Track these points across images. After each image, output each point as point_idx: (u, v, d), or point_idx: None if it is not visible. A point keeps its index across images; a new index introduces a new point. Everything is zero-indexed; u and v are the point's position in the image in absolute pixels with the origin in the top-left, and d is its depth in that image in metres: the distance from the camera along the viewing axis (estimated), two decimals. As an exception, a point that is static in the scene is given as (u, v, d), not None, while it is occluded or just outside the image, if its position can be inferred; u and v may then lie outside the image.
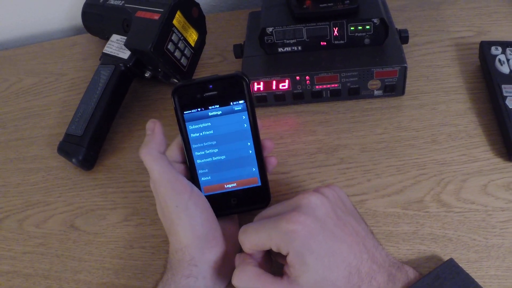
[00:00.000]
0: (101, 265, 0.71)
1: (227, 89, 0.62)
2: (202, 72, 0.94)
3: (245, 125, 0.63)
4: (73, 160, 0.81)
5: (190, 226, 0.59)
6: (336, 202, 0.57)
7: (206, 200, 0.62)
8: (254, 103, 0.63)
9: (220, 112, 0.62)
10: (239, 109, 0.62)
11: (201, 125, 0.63)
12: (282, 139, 0.80)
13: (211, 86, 0.61)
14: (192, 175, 0.64)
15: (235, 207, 0.66)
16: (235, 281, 0.57)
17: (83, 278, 0.70)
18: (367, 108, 0.82)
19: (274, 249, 0.55)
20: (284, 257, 0.55)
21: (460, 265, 0.58)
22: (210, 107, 0.62)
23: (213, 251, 0.60)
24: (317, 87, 0.80)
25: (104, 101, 0.83)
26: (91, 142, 0.82)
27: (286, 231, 0.53)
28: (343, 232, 0.55)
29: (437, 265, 0.58)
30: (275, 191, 0.68)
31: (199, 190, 0.63)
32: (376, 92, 0.81)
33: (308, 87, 0.80)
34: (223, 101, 0.62)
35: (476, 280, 0.56)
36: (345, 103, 0.83)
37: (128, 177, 0.81)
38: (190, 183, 0.62)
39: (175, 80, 0.85)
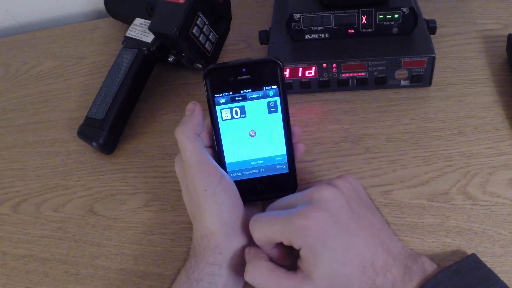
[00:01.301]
0: (120, 251, 0.71)
1: (261, 74, 0.61)
2: (227, 58, 0.93)
3: (277, 110, 0.62)
4: (94, 143, 0.80)
5: (218, 212, 0.58)
6: (350, 194, 0.56)
7: (235, 186, 0.61)
8: (286, 88, 0.62)
9: (252, 96, 0.61)
10: (271, 94, 0.61)
11: (231, 109, 0.62)
12: (307, 127, 0.79)
13: (244, 69, 0.60)
14: (219, 159, 0.63)
15: (262, 193, 0.65)
16: (248, 277, 0.56)
17: (101, 263, 0.70)
18: (394, 98, 0.80)
19: (286, 243, 0.54)
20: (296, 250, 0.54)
21: (485, 259, 0.57)
22: (242, 91, 0.61)
23: (239, 239, 0.60)
24: (343, 75, 0.79)
25: (127, 85, 0.83)
26: (112, 126, 0.81)
27: (299, 226, 0.52)
28: (357, 225, 0.54)
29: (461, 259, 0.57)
30: (299, 179, 0.66)
31: (228, 176, 0.61)
32: (402, 82, 0.79)
33: (335, 75, 0.79)
34: (256, 86, 0.61)
35: (501, 274, 0.54)
36: (371, 92, 0.82)
37: (149, 162, 0.81)
38: (220, 168, 0.60)
39: (199, 65, 0.84)
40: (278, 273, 0.54)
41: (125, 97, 0.82)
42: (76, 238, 0.74)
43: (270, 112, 0.62)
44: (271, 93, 0.61)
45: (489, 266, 0.55)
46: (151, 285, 0.67)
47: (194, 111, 0.61)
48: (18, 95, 1.00)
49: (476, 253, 0.57)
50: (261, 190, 0.65)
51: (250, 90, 0.61)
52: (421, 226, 0.65)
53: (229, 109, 0.62)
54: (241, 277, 0.60)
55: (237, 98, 0.61)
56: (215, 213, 0.58)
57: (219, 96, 0.61)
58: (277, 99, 0.61)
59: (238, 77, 0.61)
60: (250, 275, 0.55)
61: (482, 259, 0.57)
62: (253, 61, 0.61)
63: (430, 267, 0.55)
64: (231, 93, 0.61)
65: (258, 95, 0.61)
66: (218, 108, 0.61)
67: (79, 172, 0.82)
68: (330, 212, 0.53)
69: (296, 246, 0.53)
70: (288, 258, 0.58)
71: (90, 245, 0.72)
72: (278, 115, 0.62)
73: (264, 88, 0.61)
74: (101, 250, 0.71)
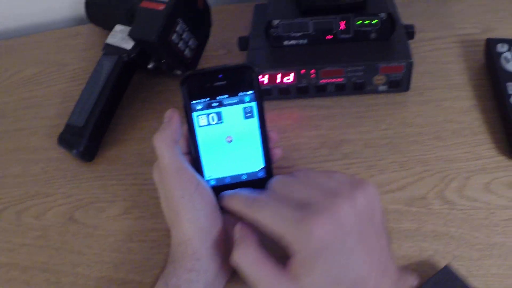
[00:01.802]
0: (100, 259, 0.71)
1: (236, 79, 0.61)
2: (206, 64, 0.93)
3: (253, 115, 0.62)
4: (74, 151, 0.80)
5: (195, 218, 0.58)
6: (365, 215, 0.53)
7: (212, 192, 0.61)
8: (263, 94, 0.62)
9: (229, 102, 0.61)
10: (247, 100, 0.61)
11: (208, 115, 0.62)
12: (286, 133, 0.79)
13: (220, 75, 0.61)
14: (196, 165, 0.63)
15: None
16: (234, 261, 0.55)
17: (81, 271, 0.70)
18: (372, 103, 0.81)
19: (281, 241, 0.52)
20: None
21: (462, 263, 0.58)
22: (218, 97, 0.61)
23: (217, 246, 0.60)
24: (322, 81, 0.79)
25: (106, 92, 0.83)
26: (92, 133, 0.81)
27: (305, 230, 0.50)
28: (361, 249, 0.52)
29: (434, 271, 0.58)
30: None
31: (205, 182, 0.62)
32: (381, 87, 0.80)
33: (313, 81, 0.80)
34: (232, 91, 0.61)
35: (478, 278, 0.56)
36: (350, 98, 0.82)
37: (129, 169, 0.80)
38: (197, 175, 0.61)
39: (179, 72, 0.84)
40: (266, 266, 0.53)
41: (105, 104, 0.82)
42: (57, 246, 0.73)
43: (246, 117, 0.62)
44: (247, 98, 0.61)
45: (465, 269, 0.57)
46: (131, 293, 0.67)
47: (172, 118, 0.62)
48: (-1, 102, 0.99)
49: (453, 257, 0.59)
50: None
51: (226, 96, 0.61)
52: (398, 231, 0.66)
53: (205, 115, 0.62)
54: (219, 283, 0.61)
55: (213, 104, 0.61)
56: (192, 219, 0.58)
57: (196, 103, 0.61)
58: (253, 104, 0.61)
59: (214, 83, 0.61)
60: (237, 260, 0.55)
61: (458, 263, 0.59)
62: (229, 67, 0.61)
63: (414, 283, 0.55)
64: (207, 99, 0.61)
65: (235, 101, 0.61)
66: (194, 114, 0.61)
67: (59, 179, 0.82)
68: (341, 229, 0.51)
69: (291, 247, 0.51)
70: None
71: (70, 253, 0.72)
72: (255, 120, 0.62)
73: (240, 93, 0.61)
74: (81, 258, 0.71)
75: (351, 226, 0.51)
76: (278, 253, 0.53)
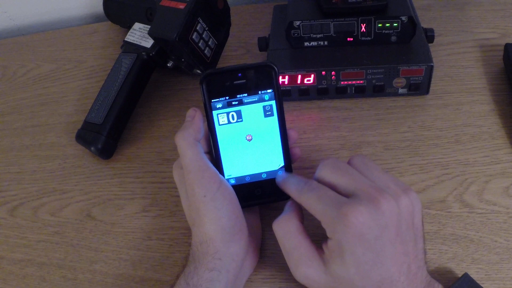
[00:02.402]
0: (117, 256, 0.70)
1: (256, 78, 0.61)
2: (225, 64, 0.93)
3: (273, 114, 0.62)
4: (92, 148, 0.80)
5: (217, 218, 0.58)
6: (406, 217, 0.53)
7: (234, 192, 0.61)
8: (282, 93, 0.62)
9: (248, 100, 0.61)
10: (267, 98, 0.61)
11: (228, 114, 0.62)
12: (305, 134, 0.79)
13: (240, 74, 0.61)
14: (217, 164, 0.63)
15: (259, 198, 0.65)
16: (276, 225, 0.58)
17: (99, 268, 0.70)
18: (391, 106, 0.81)
19: (322, 223, 0.54)
20: None
21: (481, 266, 0.58)
22: (238, 96, 0.61)
23: (238, 245, 0.60)
24: (342, 83, 0.79)
25: (125, 89, 0.83)
26: (111, 130, 0.81)
27: (343, 219, 0.51)
28: (395, 250, 0.52)
29: (453, 274, 0.59)
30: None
31: (227, 182, 0.62)
32: (400, 90, 0.80)
33: (333, 82, 0.80)
34: (252, 90, 0.61)
35: (497, 282, 0.56)
36: (369, 100, 0.82)
37: (147, 167, 0.81)
38: (219, 174, 0.61)
39: (198, 71, 0.84)
40: (302, 238, 0.56)
41: (123, 101, 0.82)
42: (73, 243, 0.73)
43: (266, 116, 0.62)
44: (266, 97, 0.61)
45: (484, 273, 0.57)
46: (149, 291, 0.67)
47: (195, 117, 0.62)
48: (15, 98, 0.99)
49: (472, 260, 0.59)
50: (259, 195, 0.65)
51: (246, 95, 0.61)
52: (418, 233, 0.66)
53: (225, 114, 0.62)
54: (240, 282, 0.61)
55: (233, 103, 0.62)
56: (214, 219, 0.58)
57: (216, 101, 0.61)
58: (273, 102, 0.62)
59: (234, 82, 0.61)
60: (278, 225, 0.58)
61: (477, 266, 0.59)
62: (249, 66, 0.62)
63: None
64: (227, 97, 0.61)
65: (254, 99, 0.62)
66: (214, 113, 0.62)
67: (76, 176, 0.82)
68: (378, 225, 0.51)
69: (328, 233, 0.53)
70: None
71: (87, 250, 0.72)
72: (274, 119, 0.62)
73: (259, 92, 0.61)
74: (99, 255, 0.71)
75: (390, 224, 0.51)
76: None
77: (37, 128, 0.92)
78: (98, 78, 0.94)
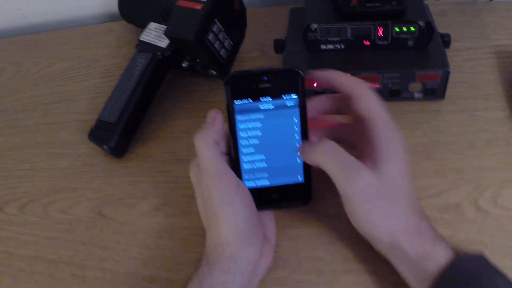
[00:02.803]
0: (128, 255, 0.70)
1: (282, 83, 0.61)
2: (241, 65, 0.92)
3: (296, 120, 0.61)
4: (105, 147, 0.80)
5: (234, 222, 0.58)
6: None
7: (251, 196, 0.61)
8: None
9: (272, 105, 0.61)
10: (291, 105, 0.61)
11: (250, 117, 0.61)
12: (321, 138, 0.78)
13: (265, 78, 0.60)
14: (235, 166, 0.63)
15: (276, 203, 0.65)
16: (313, 153, 0.60)
17: (109, 266, 0.69)
18: (407, 110, 0.80)
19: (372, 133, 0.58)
20: None
21: None
22: (262, 99, 0.61)
23: (253, 249, 0.59)
24: (358, 86, 0.79)
25: (140, 89, 0.82)
26: (124, 129, 0.81)
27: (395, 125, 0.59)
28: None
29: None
30: (314, 188, 0.66)
31: (245, 186, 0.61)
32: (416, 95, 0.80)
33: (350, 86, 0.79)
34: (276, 95, 0.61)
35: None
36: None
37: (159, 167, 0.80)
38: (237, 177, 0.60)
39: (213, 72, 0.84)
40: (345, 152, 0.58)
41: (138, 101, 0.82)
42: (83, 241, 0.73)
43: (288, 121, 0.62)
44: (291, 103, 0.61)
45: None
46: (160, 291, 0.66)
47: (216, 119, 0.61)
48: (28, 95, 0.99)
49: None
50: (275, 199, 0.64)
51: (270, 99, 0.61)
52: (432, 238, 0.65)
53: (248, 116, 0.61)
54: (253, 284, 0.61)
55: (256, 106, 0.61)
56: (231, 223, 0.58)
57: (239, 104, 0.61)
58: (297, 109, 0.61)
59: (259, 85, 0.60)
60: (315, 152, 0.60)
61: None
62: (275, 70, 0.61)
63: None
64: (251, 100, 0.61)
65: (278, 104, 0.61)
66: (237, 115, 0.61)
67: (88, 174, 0.82)
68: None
69: (373, 138, 0.58)
70: None
71: (98, 248, 0.72)
72: (297, 125, 0.62)
73: (284, 97, 0.61)
74: (109, 253, 0.71)
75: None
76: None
77: (50, 125, 0.92)
78: (112, 77, 0.94)
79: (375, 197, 0.56)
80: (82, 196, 0.79)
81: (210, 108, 0.63)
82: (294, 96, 0.61)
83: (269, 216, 0.67)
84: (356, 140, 0.64)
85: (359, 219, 0.58)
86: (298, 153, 0.62)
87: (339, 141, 0.59)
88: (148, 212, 0.75)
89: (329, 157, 0.58)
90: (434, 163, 0.73)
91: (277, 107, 0.61)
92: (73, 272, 0.70)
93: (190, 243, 0.70)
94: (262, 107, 0.61)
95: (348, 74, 0.62)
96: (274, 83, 0.60)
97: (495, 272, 0.54)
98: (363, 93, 0.60)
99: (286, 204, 0.66)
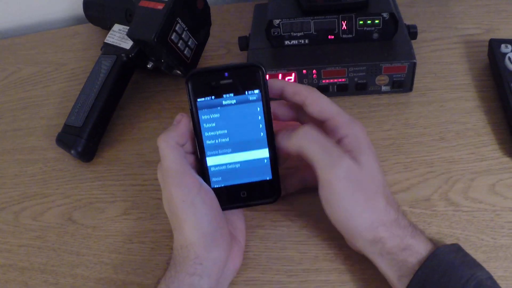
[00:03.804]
0: (99, 260, 0.70)
1: (243, 78, 0.60)
2: (206, 64, 0.92)
3: (259, 116, 0.61)
4: (72, 151, 0.79)
5: (197, 224, 0.57)
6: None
7: (215, 197, 0.60)
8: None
9: (235, 101, 0.61)
10: (254, 99, 0.61)
11: (214, 114, 0.61)
12: (287, 133, 0.78)
13: (226, 74, 0.60)
14: (201, 164, 0.62)
15: (244, 201, 0.64)
16: (299, 135, 0.59)
17: (80, 272, 0.69)
18: (374, 103, 0.80)
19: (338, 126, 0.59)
20: None
21: None
22: (224, 96, 0.60)
23: (219, 250, 0.59)
24: (324, 81, 0.79)
25: (105, 92, 0.82)
26: (90, 133, 0.80)
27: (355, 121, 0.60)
28: None
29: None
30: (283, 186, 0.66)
31: (208, 187, 0.61)
32: (383, 88, 0.79)
33: (315, 81, 0.79)
34: (238, 90, 0.60)
35: None
36: (352, 98, 0.81)
37: (128, 169, 0.80)
38: (200, 179, 0.60)
39: (178, 72, 0.83)
40: (327, 137, 0.58)
41: (103, 104, 0.81)
42: (55, 247, 0.72)
43: (252, 117, 0.61)
44: (253, 97, 0.60)
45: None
46: (131, 294, 0.66)
47: (180, 122, 0.61)
48: (-4, 102, 0.99)
49: None
50: (244, 197, 0.64)
51: (232, 95, 0.60)
52: (402, 232, 0.65)
53: (211, 114, 0.61)
54: (223, 286, 0.61)
55: (219, 103, 0.61)
56: (194, 224, 0.57)
57: (202, 101, 0.60)
58: (260, 104, 0.61)
59: (221, 82, 0.60)
60: (297, 137, 0.59)
61: None
62: (236, 66, 0.61)
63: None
64: (213, 97, 0.60)
65: (241, 100, 0.61)
66: (200, 112, 0.61)
67: (58, 180, 0.81)
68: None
69: (342, 133, 0.59)
70: None
71: (69, 254, 0.71)
72: (261, 120, 0.61)
73: (246, 93, 0.60)
74: (80, 259, 0.70)
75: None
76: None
77: (18, 132, 0.91)
78: (79, 81, 0.93)
79: (357, 187, 0.56)
80: (52, 202, 0.78)
81: (177, 108, 0.63)
82: (256, 91, 0.60)
83: (238, 217, 0.66)
84: None
85: (338, 211, 0.57)
86: (274, 142, 0.62)
87: None
88: (117, 216, 0.74)
89: (311, 141, 0.58)
90: (403, 157, 0.73)
91: (240, 103, 0.61)
92: (46, 279, 0.69)
93: (160, 246, 0.69)
94: (225, 103, 0.61)
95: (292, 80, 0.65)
96: (236, 79, 0.60)
97: (473, 262, 0.54)
98: (312, 98, 0.60)
99: (255, 202, 0.65)
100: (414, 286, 0.53)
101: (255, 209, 0.69)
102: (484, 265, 0.59)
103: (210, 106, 0.61)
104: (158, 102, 0.89)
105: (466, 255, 0.55)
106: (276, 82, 0.63)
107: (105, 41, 0.88)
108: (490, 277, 0.53)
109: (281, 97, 0.63)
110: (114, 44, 0.86)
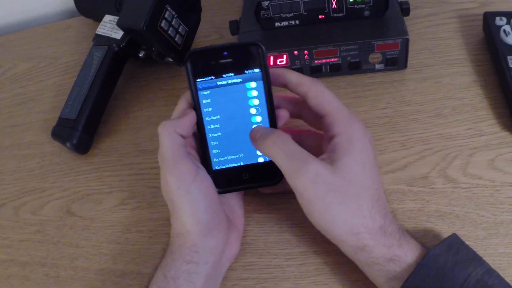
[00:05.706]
0: (98, 251, 0.70)
1: (243, 57, 0.60)
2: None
3: (260, 94, 0.61)
4: (68, 144, 0.79)
5: (193, 212, 0.57)
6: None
7: (212, 185, 0.60)
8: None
9: (235, 80, 0.60)
10: (254, 78, 0.60)
11: (214, 94, 0.61)
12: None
13: (226, 53, 0.60)
14: (203, 147, 0.62)
15: (246, 182, 0.64)
16: (266, 143, 0.58)
17: (80, 264, 0.70)
18: (369, 82, 0.80)
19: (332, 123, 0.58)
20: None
21: (468, 242, 0.55)
22: (224, 75, 0.60)
23: (216, 238, 0.59)
24: (316, 61, 0.78)
25: (98, 83, 0.82)
26: (85, 125, 0.80)
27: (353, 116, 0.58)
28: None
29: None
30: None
31: (205, 174, 0.60)
32: (377, 66, 0.79)
33: (307, 62, 0.78)
34: (238, 69, 0.60)
35: (485, 258, 0.53)
36: (346, 78, 0.81)
37: (124, 160, 0.80)
38: (196, 167, 0.59)
39: (170, 60, 0.83)
40: (294, 143, 0.57)
41: (97, 95, 0.81)
42: (54, 241, 0.73)
43: (253, 96, 0.61)
44: (253, 76, 0.60)
45: (472, 249, 0.55)
46: (131, 284, 0.66)
47: (186, 114, 0.61)
48: (-8, 99, 0.99)
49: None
50: (246, 179, 0.63)
51: (232, 74, 0.60)
52: (401, 211, 0.65)
53: (211, 94, 0.61)
54: (219, 273, 0.61)
55: (219, 83, 0.60)
56: (190, 212, 0.57)
57: (201, 81, 0.60)
58: (260, 83, 0.60)
59: (220, 61, 0.60)
60: (265, 144, 0.58)
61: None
62: (235, 44, 0.61)
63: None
64: (213, 77, 0.60)
65: (241, 79, 0.60)
66: (200, 92, 0.61)
67: (55, 173, 0.81)
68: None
69: (335, 131, 0.57)
70: None
71: (68, 247, 0.72)
72: (262, 99, 0.61)
73: (246, 71, 0.60)
74: (80, 251, 0.71)
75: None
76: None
77: (15, 128, 0.91)
78: (74, 74, 0.92)
79: (329, 191, 0.54)
80: (50, 196, 0.78)
81: (171, 96, 0.63)
82: (257, 70, 0.60)
83: (238, 203, 0.66)
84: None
85: (314, 216, 0.56)
86: (276, 121, 0.62)
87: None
88: (115, 206, 0.74)
89: (277, 148, 0.57)
90: (399, 135, 0.72)
91: (240, 82, 0.60)
92: (47, 272, 0.70)
93: (158, 234, 0.70)
94: (225, 83, 0.60)
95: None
96: (235, 58, 0.60)
97: (466, 258, 0.53)
98: (315, 90, 0.59)
99: (258, 184, 0.64)
100: None
101: (251, 193, 0.69)
102: (485, 242, 0.59)
103: (210, 86, 0.60)
104: (152, 91, 0.89)
105: (458, 251, 0.53)
106: (280, 71, 0.62)
107: (96, 32, 0.87)
108: (487, 270, 0.52)
109: (281, 85, 0.62)
110: (105, 35, 0.86)
